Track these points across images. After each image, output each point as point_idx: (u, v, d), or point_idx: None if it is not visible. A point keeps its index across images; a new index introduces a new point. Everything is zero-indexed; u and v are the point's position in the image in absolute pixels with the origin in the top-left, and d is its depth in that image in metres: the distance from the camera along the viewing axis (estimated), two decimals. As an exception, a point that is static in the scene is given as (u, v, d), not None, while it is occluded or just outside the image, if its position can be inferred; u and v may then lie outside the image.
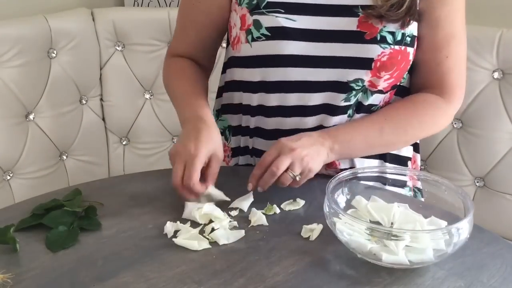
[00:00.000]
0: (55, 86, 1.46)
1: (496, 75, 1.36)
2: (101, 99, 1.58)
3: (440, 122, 1.08)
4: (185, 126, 0.97)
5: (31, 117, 1.44)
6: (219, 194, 0.93)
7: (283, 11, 0.98)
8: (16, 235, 0.82)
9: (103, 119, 1.59)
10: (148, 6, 1.72)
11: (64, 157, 1.53)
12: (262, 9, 0.99)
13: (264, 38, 0.99)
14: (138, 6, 1.72)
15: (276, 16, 0.98)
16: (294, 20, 0.98)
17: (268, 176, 0.91)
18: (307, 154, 0.93)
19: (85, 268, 0.77)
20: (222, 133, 1.17)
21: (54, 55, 1.45)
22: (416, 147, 1.15)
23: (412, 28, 1.00)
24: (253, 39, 1.00)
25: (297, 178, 0.92)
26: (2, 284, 0.72)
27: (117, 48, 1.55)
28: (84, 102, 1.54)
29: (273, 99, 1.03)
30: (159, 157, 1.65)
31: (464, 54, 1.06)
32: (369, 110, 1.04)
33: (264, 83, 1.02)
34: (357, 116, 1.05)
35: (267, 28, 0.98)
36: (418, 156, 1.16)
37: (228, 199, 0.93)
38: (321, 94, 1.01)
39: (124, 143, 1.63)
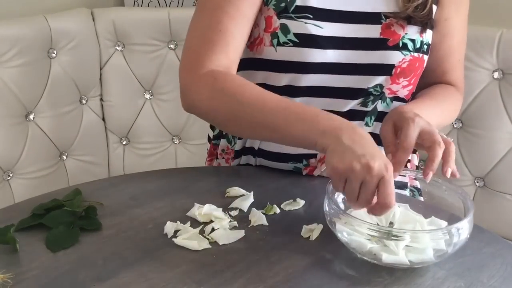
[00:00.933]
0: (55, 86, 1.46)
1: (496, 75, 1.36)
2: (101, 99, 1.58)
3: (458, 112, 1.15)
4: (340, 133, 0.80)
5: (31, 117, 1.44)
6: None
7: (311, 16, 0.97)
8: (16, 235, 0.82)
9: (103, 119, 1.59)
10: (148, 6, 1.72)
11: (64, 157, 1.53)
12: (291, 13, 0.97)
13: (291, 44, 0.97)
14: (138, 6, 1.72)
15: (305, 23, 0.97)
16: (322, 28, 0.97)
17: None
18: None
19: (85, 268, 0.77)
20: (225, 136, 1.16)
21: (54, 55, 1.45)
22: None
23: (428, 37, 1.03)
24: (279, 44, 0.98)
25: None
26: (2, 284, 0.72)
27: (117, 48, 1.55)
28: (84, 102, 1.54)
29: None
30: (159, 157, 1.65)
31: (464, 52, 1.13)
32: None
33: (291, 87, 1.01)
34: (379, 124, 1.00)
35: (296, 35, 0.97)
36: (415, 156, 1.17)
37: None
38: (345, 100, 1.01)
39: (124, 143, 1.63)
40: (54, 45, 1.44)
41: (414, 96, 1.09)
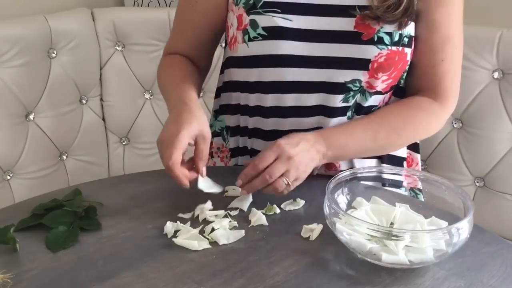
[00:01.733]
0: (55, 86, 1.46)
1: (496, 75, 1.36)
2: (101, 99, 1.58)
3: (433, 126, 1.08)
4: (170, 114, 0.97)
5: (31, 117, 1.44)
6: (209, 186, 0.91)
7: (279, 10, 0.98)
8: (16, 235, 0.82)
9: (103, 119, 1.59)
10: (148, 6, 1.72)
11: (64, 157, 1.53)
12: (259, 9, 0.99)
13: (260, 38, 0.99)
14: (138, 6, 1.72)
15: (273, 16, 0.98)
16: (291, 20, 0.98)
17: (259, 182, 0.90)
18: (302, 162, 0.92)
19: (85, 268, 0.77)
20: (220, 134, 1.16)
21: (54, 55, 1.45)
22: (416, 147, 1.15)
23: (410, 29, 1.00)
24: (250, 39, 1.00)
25: (291, 185, 0.91)
26: (2, 284, 0.72)
27: (117, 48, 1.55)
28: (84, 102, 1.54)
29: (270, 100, 1.03)
30: (159, 157, 1.64)
31: (459, 59, 1.05)
32: (369, 111, 1.04)
33: (260, 83, 1.02)
34: (356, 117, 1.04)
35: (264, 28, 0.98)
36: (418, 156, 1.16)
37: (219, 190, 0.92)
38: (317, 94, 1.01)
39: (124, 143, 1.63)
40: (54, 45, 1.44)
41: (406, 94, 1.07)
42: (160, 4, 1.73)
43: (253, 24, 0.99)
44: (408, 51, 1.00)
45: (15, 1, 1.53)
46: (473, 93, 1.37)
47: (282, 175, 0.90)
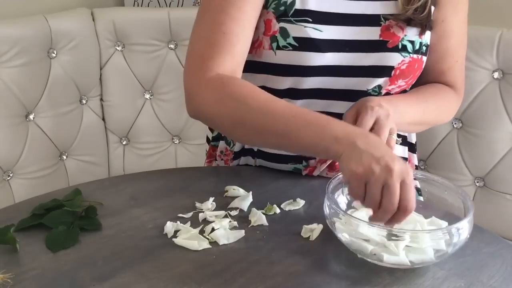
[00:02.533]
0: (55, 86, 1.46)
1: (496, 75, 1.36)
2: (101, 99, 1.58)
3: (453, 112, 1.14)
4: (354, 139, 0.78)
5: (31, 117, 1.44)
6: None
7: (311, 20, 0.97)
8: (16, 235, 0.82)
9: (103, 119, 1.59)
10: (148, 6, 1.72)
11: (64, 157, 1.53)
12: (290, 17, 0.97)
13: (291, 48, 0.97)
14: (138, 6, 1.72)
15: (305, 26, 0.97)
16: (321, 31, 0.97)
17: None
18: (390, 115, 0.91)
19: (85, 268, 0.77)
20: (224, 138, 1.16)
21: (54, 55, 1.45)
22: (412, 147, 1.16)
23: (427, 38, 1.03)
24: (278, 47, 0.98)
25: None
26: (2, 284, 0.72)
27: (117, 48, 1.55)
28: (84, 102, 1.54)
29: (298, 105, 1.02)
30: (159, 157, 1.65)
31: (465, 54, 1.12)
32: None
33: (292, 90, 1.01)
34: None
35: (295, 38, 0.97)
36: (415, 156, 1.17)
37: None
38: (345, 102, 1.01)
39: (124, 143, 1.63)
40: (54, 45, 1.44)
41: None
42: (160, 4, 1.73)
43: (284, 32, 0.97)
44: (424, 59, 1.04)
45: (15, 1, 1.53)
46: (473, 93, 1.37)
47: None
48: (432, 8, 1.03)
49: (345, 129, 0.81)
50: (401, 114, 0.95)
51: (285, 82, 1.01)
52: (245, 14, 0.94)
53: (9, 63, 1.37)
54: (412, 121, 1.03)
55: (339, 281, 0.76)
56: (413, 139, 1.16)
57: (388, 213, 0.74)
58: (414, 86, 1.10)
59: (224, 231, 0.85)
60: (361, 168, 0.74)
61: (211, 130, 1.19)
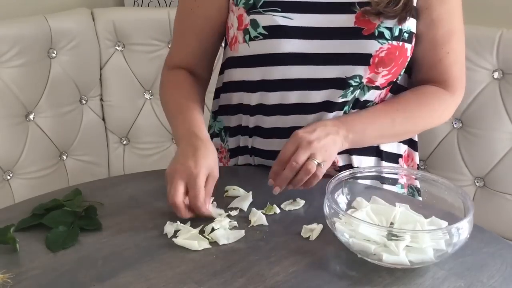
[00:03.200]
0: (55, 86, 1.46)
1: (496, 75, 1.36)
2: (101, 99, 1.58)
3: (445, 114, 1.11)
4: (180, 143, 0.95)
5: (31, 117, 1.44)
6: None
7: (280, 9, 0.98)
8: (16, 235, 0.82)
9: (103, 119, 1.59)
10: (148, 6, 1.72)
11: (64, 157, 1.53)
12: (259, 8, 0.99)
13: (261, 37, 0.99)
14: (138, 6, 1.72)
15: (273, 15, 0.98)
16: (291, 19, 0.98)
17: (287, 171, 0.91)
18: (325, 145, 0.93)
19: (85, 268, 0.77)
20: (218, 135, 1.16)
21: (54, 55, 1.45)
22: (414, 144, 1.16)
23: (410, 24, 1.01)
24: (251, 39, 1.00)
25: (322, 165, 0.91)
26: (2, 284, 0.72)
27: (117, 48, 1.55)
28: (84, 102, 1.54)
29: (273, 98, 1.03)
30: (159, 157, 1.65)
31: (463, 48, 1.08)
32: (365, 106, 1.05)
33: (265, 81, 1.02)
34: (352, 111, 1.05)
35: (264, 27, 0.99)
36: (416, 154, 1.17)
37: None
38: (321, 91, 1.01)
39: (124, 143, 1.63)
40: (54, 45, 1.44)
41: (393, 90, 1.08)
42: (160, 4, 1.73)
43: (254, 23, 0.99)
44: (409, 46, 1.01)
45: (15, 1, 1.53)
46: (473, 93, 1.37)
47: (308, 158, 0.91)
48: None
49: (184, 130, 0.97)
50: (359, 131, 0.99)
51: (257, 73, 1.02)
52: (201, 7, 1.06)
53: (9, 63, 1.37)
54: (378, 134, 1.03)
55: (339, 281, 0.76)
56: (415, 136, 1.16)
57: (176, 209, 0.87)
58: (412, 78, 1.09)
59: (224, 231, 0.85)
60: (167, 169, 0.91)
61: (208, 127, 1.20)
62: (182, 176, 0.88)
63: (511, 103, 1.35)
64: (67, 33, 1.46)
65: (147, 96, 1.60)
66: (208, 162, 0.90)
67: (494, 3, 1.50)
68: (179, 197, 0.86)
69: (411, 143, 1.15)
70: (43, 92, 1.44)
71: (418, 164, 1.19)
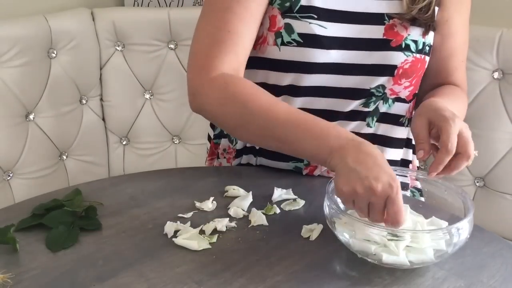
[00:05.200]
0: (55, 86, 1.46)
1: (496, 75, 1.36)
2: (101, 99, 1.58)
3: (465, 113, 1.12)
4: (347, 149, 0.79)
5: (31, 117, 1.44)
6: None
7: (316, 16, 0.97)
8: (16, 235, 0.82)
9: (103, 119, 1.59)
10: (148, 6, 1.72)
11: (64, 157, 1.53)
12: (295, 13, 0.97)
13: (295, 44, 0.97)
14: (138, 6, 1.72)
15: (310, 23, 0.97)
16: (326, 28, 0.97)
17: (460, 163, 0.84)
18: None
19: (85, 268, 0.77)
20: (227, 135, 1.16)
21: (54, 55, 1.45)
22: (413, 147, 1.16)
23: (430, 38, 1.03)
24: (283, 43, 0.98)
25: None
26: (2, 284, 0.72)
27: (117, 48, 1.55)
28: (84, 102, 1.54)
29: (298, 103, 1.02)
30: (159, 157, 1.65)
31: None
32: (397, 120, 1.06)
33: (293, 87, 1.01)
34: (382, 125, 1.05)
35: (300, 34, 0.97)
36: (415, 157, 1.17)
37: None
38: (345, 100, 1.01)
39: (124, 143, 1.63)
40: (54, 45, 1.44)
41: (419, 98, 1.09)
42: (160, 4, 1.73)
43: (288, 28, 0.97)
44: (427, 59, 1.04)
45: (15, 1, 1.53)
46: (473, 93, 1.37)
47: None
48: (436, 8, 1.03)
49: (339, 142, 0.81)
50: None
51: (286, 79, 1.01)
52: (250, 12, 0.95)
53: (9, 63, 1.37)
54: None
55: (339, 281, 0.76)
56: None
57: (379, 223, 0.76)
58: (422, 88, 1.10)
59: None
60: (346, 188, 0.76)
61: (213, 127, 1.19)
62: (382, 194, 0.74)
63: (511, 103, 1.35)
64: (67, 33, 1.46)
65: (147, 96, 1.60)
66: (390, 167, 0.78)
67: (494, 3, 1.50)
68: (383, 216, 0.76)
69: (412, 147, 1.15)
70: (43, 92, 1.44)
71: (418, 166, 1.19)
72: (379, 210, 0.75)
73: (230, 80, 0.91)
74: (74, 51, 1.47)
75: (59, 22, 1.45)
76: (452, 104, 0.94)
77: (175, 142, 1.65)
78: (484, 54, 1.36)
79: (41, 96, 1.44)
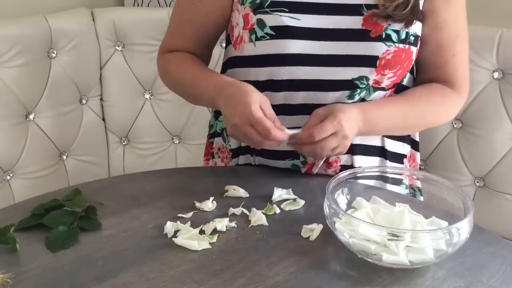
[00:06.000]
0: (55, 86, 1.46)
1: (496, 75, 1.36)
2: (101, 99, 1.58)
3: (451, 112, 1.12)
4: (219, 99, 0.95)
5: (31, 117, 1.44)
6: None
7: (287, 10, 0.98)
8: (16, 235, 0.82)
9: (103, 119, 1.59)
10: (148, 6, 1.72)
11: (64, 157, 1.53)
12: (266, 8, 0.99)
13: (268, 37, 0.99)
14: (138, 6, 1.72)
15: (280, 15, 0.98)
16: (299, 19, 0.98)
17: (309, 150, 0.94)
18: (349, 140, 0.95)
19: (85, 268, 0.77)
20: (220, 134, 1.16)
21: (54, 55, 1.45)
22: (415, 145, 1.16)
23: (416, 28, 1.01)
24: (257, 38, 1.00)
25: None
26: (2, 284, 0.72)
27: (117, 48, 1.55)
28: (84, 102, 1.54)
29: (279, 98, 1.03)
30: (159, 157, 1.65)
31: (467, 50, 1.10)
32: None
33: (271, 81, 1.02)
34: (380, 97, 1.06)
35: (271, 27, 0.98)
36: (418, 155, 1.17)
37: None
38: (328, 93, 1.01)
39: (124, 143, 1.63)
40: (54, 45, 1.44)
41: (397, 91, 1.08)
42: (160, 4, 1.73)
43: (260, 23, 0.99)
44: (414, 50, 1.02)
45: (15, 1, 1.53)
46: (473, 93, 1.37)
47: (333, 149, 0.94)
48: (421, 1, 1.01)
49: (215, 91, 0.97)
50: (373, 124, 1.00)
51: (263, 73, 1.02)
52: (203, 2, 1.06)
53: (9, 63, 1.37)
54: (389, 127, 1.04)
55: (339, 281, 0.76)
56: (416, 137, 1.16)
57: (264, 145, 0.91)
58: (417, 79, 1.09)
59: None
60: (228, 130, 0.94)
61: (209, 127, 1.20)
62: (244, 123, 0.89)
63: (511, 103, 1.35)
64: (67, 33, 1.46)
65: (147, 96, 1.60)
66: (251, 95, 0.91)
67: (494, 3, 1.50)
68: (259, 139, 0.90)
69: (413, 144, 1.16)
70: (43, 92, 1.44)
71: (420, 165, 1.19)
72: (251, 136, 0.90)
73: (165, 58, 1.12)
74: (74, 51, 1.47)
75: (59, 22, 1.45)
76: (383, 109, 1.02)
77: (175, 142, 1.65)
78: (484, 54, 1.35)
79: (41, 96, 1.44)
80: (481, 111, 1.38)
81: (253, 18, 1.00)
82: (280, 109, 1.03)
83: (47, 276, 0.75)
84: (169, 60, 1.12)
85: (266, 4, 0.99)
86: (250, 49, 1.02)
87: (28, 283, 0.74)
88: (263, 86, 1.03)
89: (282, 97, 1.03)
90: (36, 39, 1.41)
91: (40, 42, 1.42)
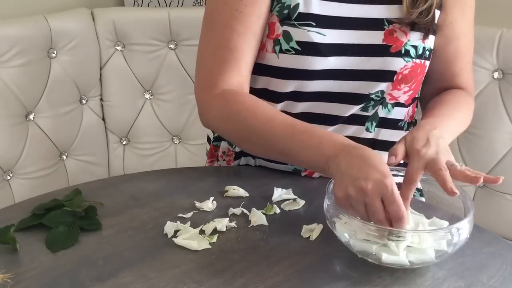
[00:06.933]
0: (55, 86, 1.46)
1: (496, 75, 1.36)
2: (101, 99, 1.58)
3: (471, 117, 1.11)
4: (342, 157, 0.80)
5: (31, 117, 1.44)
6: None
7: (314, 24, 0.97)
8: (16, 235, 0.82)
9: (103, 119, 1.59)
10: (148, 6, 1.72)
11: (64, 157, 1.53)
12: (293, 20, 0.97)
13: (293, 52, 0.97)
14: (138, 6, 1.72)
15: (308, 30, 0.96)
16: (324, 35, 0.97)
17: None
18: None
19: (85, 268, 0.77)
20: (224, 138, 1.16)
21: (54, 55, 1.45)
22: None
23: (430, 43, 1.03)
24: (281, 51, 0.98)
25: None
26: (2, 284, 0.72)
27: (117, 48, 1.55)
28: (84, 102, 1.54)
29: (301, 107, 1.02)
30: (159, 157, 1.65)
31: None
32: (395, 124, 1.06)
33: (293, 92, 1.01)
34: (382, 131, 1.05)
35: (298, 42, 0.97)
36: None
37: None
38: (345, 105, 1.01)
39: (124, 143, 1.63)
40: (54, 45, 1.44)
41: (425, 102, 1.08)
42: (160, 4, 1.73)
43: (287, 36, 0.97)
44: (427, 63, 1.03)
45: (15, 1, 1.53)
46: (473, 93, 1.37)
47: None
48: (437, 12, 1.02)
49: (335, 149, 0.83)
50: (445, 141, 0.90)
51: (288, 86, 1.01)
52: (250, 27, 0.97)
53: (9, 63, 1.37)
54: (451, 140, 0.99)
55: (339, 281, 0.76)
56: None
57: (381, 225, 0.76)
58: (425, 89, 1.09)
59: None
60: (341, 193, 0.78)
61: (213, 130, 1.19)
62: (375, 193, 0.75)
63: (511, 103, 1.35)
64: (67, 33, 1.46)
65: (147, 96, 1.61)
66: (386, 166, 0.78)
67: (494, 3, 1.50)
68: (383, 215, 0.76)
69: None
70: (43, 92, 1.44)
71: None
72: (376, 210, 0.75)
73: (230, 97, 0.95)
74: (74, 51, 1.47)
75: (59, 22, 1.45)
76: (449, 121, 0.96)
77: (175, 142, 1.65)
78: (484, 54, 1.36)
79: (41, 96, 1.44)
80: (481, 111, 1.38)
81: (279, 29, 0.97)
82: (298, 118, 1.02)
83: (47, 276, 0.75)
84: (242, 107, 0.93)
85: (294, 17, 0.97)
86: (272, 59, 0.99)
87: (28, 283, 0.74)
88: (286, 96, 1.02)
89: (304, 107, 1.02)
90: (36, 39, 1.41)
91: (40, 42, 1.42)
